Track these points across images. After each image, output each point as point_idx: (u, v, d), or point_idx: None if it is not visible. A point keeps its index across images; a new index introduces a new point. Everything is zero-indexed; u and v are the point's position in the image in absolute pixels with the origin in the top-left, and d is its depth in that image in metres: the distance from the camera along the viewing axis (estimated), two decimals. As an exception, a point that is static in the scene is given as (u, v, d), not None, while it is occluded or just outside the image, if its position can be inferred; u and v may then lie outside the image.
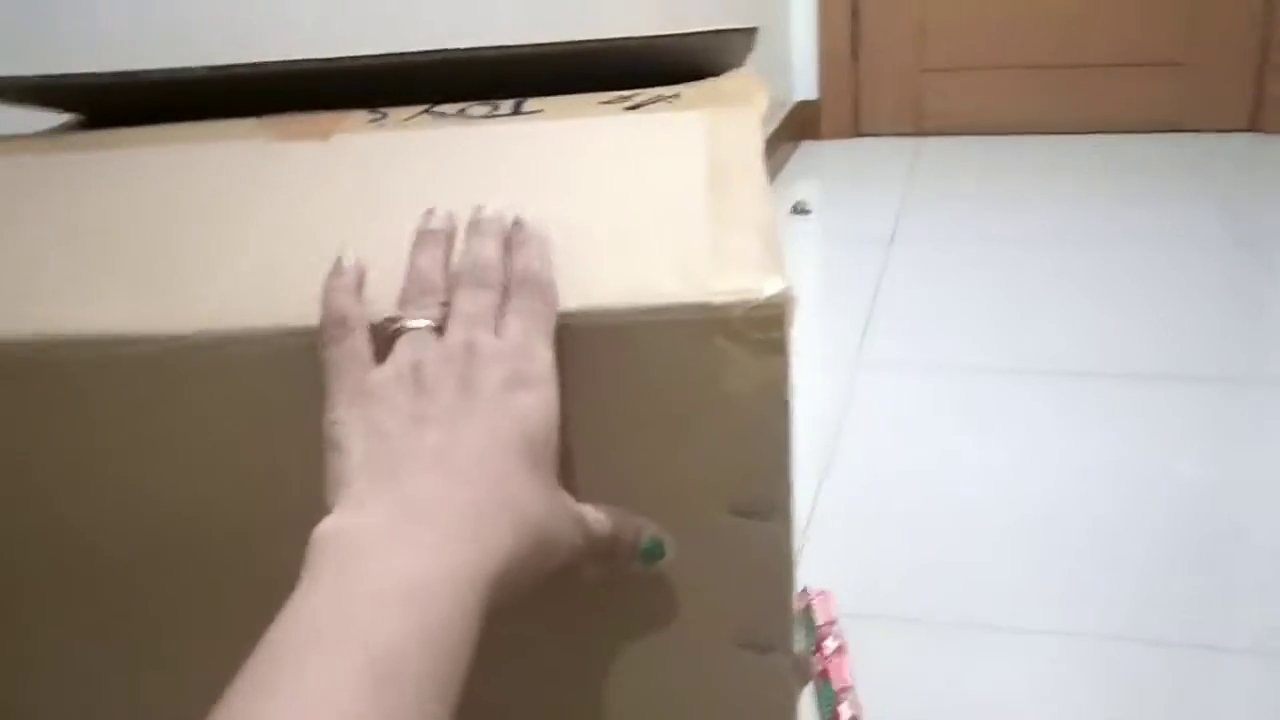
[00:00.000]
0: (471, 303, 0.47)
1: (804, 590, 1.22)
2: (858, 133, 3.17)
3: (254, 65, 0.65)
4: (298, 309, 0.48)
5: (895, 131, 3.14)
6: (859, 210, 2.62)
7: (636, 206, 0.54)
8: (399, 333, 0.46)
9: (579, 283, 0.48)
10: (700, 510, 0.49)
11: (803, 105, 3.12)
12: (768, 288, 0.48)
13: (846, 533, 1.38)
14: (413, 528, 0.41)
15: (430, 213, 0.51)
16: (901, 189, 2.70)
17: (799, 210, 2.53)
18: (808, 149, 3.11)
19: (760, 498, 0.49)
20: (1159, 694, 1.06)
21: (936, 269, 2.19)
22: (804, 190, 2.70)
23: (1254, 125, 2.92)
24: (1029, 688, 1.08)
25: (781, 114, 2.96)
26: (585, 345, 0.48)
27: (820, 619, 1.16)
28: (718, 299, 0.47)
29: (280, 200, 0.59)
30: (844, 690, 1.06)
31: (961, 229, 2.42)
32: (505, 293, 0.48)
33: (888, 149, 3.05)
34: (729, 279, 0.48)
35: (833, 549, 1.34)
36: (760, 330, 0.47)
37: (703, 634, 0.52)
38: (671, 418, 0.48)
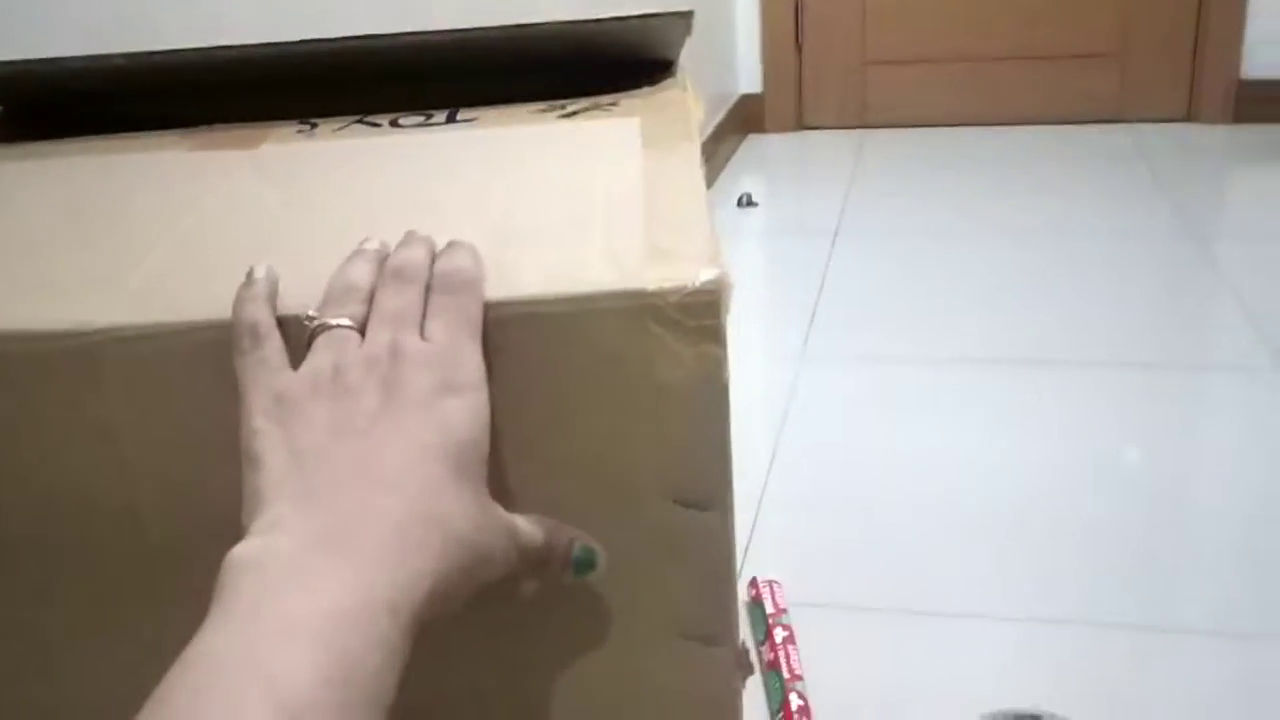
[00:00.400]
0: (395, 299, 0.45)
1: (753, 580, 1.22)
2: (802, 126, 3.18)
3: (171, 53, 0.63)
4: (212, 305, 0.47)
5: (839, 124, 3.15)
6: (804, 203, 2.63)
7: (571, 206, 0.54)
8: (317, 332, 0.45)
9: (511, 275, 0.47)
10: (639, 501, 0.49)
11: (747, 99, 3.13)
12: (702, 274, 0.47)
13: (794, 523, 1.38)
14: (328, 557, 0.38)
15: (365, 239, 0.49)
16: (846, 182, 2.71)
17: (745, 204, 2.53)
18: (753, 142, 3.11)
19: (700, 487, 0.49)
20: (1114, 677, 1.07)
21: (881, 261, 2.20)
22: (749, 184, 2.70)
23: (1192, 115, 2.96)
24: (981, 673, 1.09)
25: (726, 107, 2.96)
26: (519, 335, 0.47)
27: (770, 609, 1.16)
28: (651, 285, 0.47)
29: (205, 208, 0.57)
30: (793, 679, 1.05)
31: (905, 221, 2.43)
32: (430, 292, 0.46)
33: (832, 142, 3.06)
34: (663, 268, 0.47)
35: (781, 539, 1.34)
36: (695, 317, 0.47)
37: (645, 626, 0.51)
38: (607, 407, 0.48)
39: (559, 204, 0.54)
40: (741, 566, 1.28)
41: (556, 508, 0.48)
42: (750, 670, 0.52)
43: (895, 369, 1.75)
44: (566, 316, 0.46)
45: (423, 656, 0.39)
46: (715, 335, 0.47)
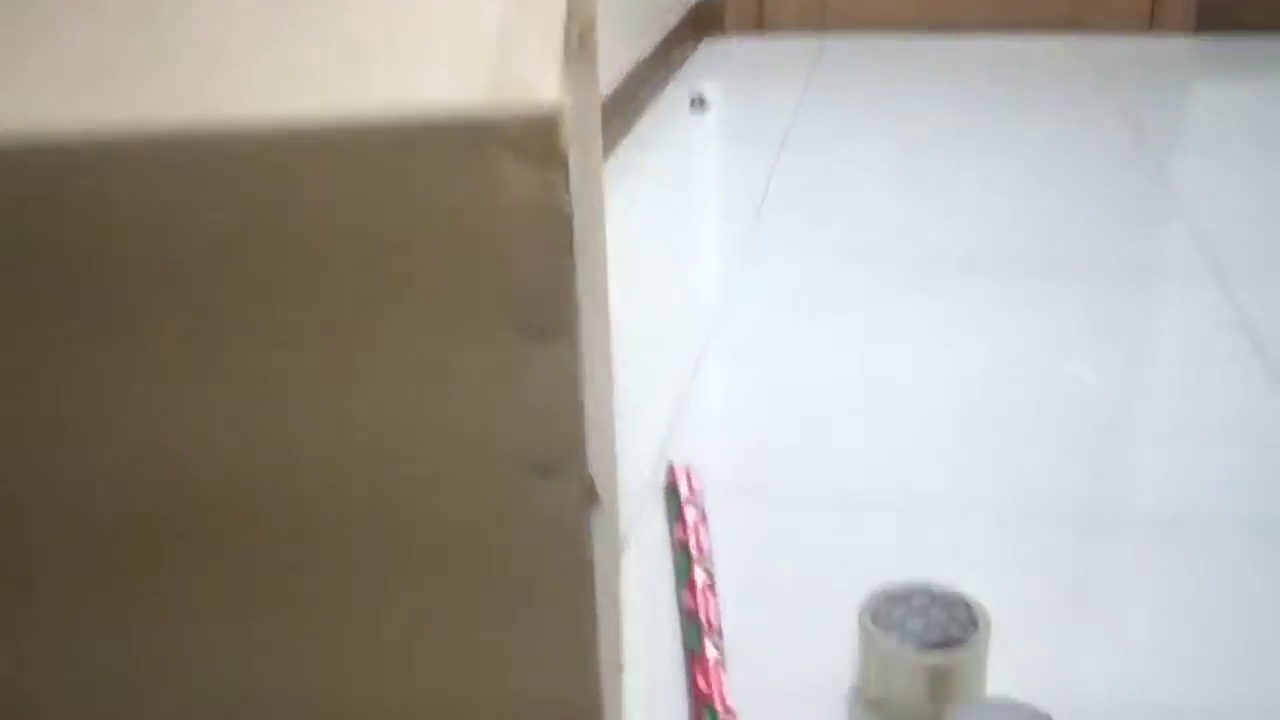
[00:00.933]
0: None
1: (670, 466, 1.23)
2: (761, 29, 3.13)
3: None
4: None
5: (799, 29, 3.11)
6: (757, 107, 2.60)
7: (423, 27, 0.53)
8: None
9: (351, 94, 0.47)
10: (482, 329, 0.49)
11: (706, 1, 3.08)
12: (546, 99, 0.46)
13: (719, 413, 1.39)
14: None
15: None
16: (801, 87, 2.68)
17: (696, 104, 2.51)
18: (710, 46, 3.07)
19: (543, 317, 0.49)
20: (1045, 571, 1.10)
21: (829, 167, 2.19)
22: (705, 88, 2.67)
23: (1153, 26, 2.95)
24: (885, 555, 1.11)
25: (684, 9, 2.91)
26: (356, 156, 0.46)
27: (684, 492, 1.17)
28: (494, 108, 0.46)
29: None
30: (701, 558, 1.07)
31: (857, 127, 2.42)
32: None
33: (791, 47, 3.03)
34: (507, 91, 0.47)
35: (705, 428, 1.35)
36: (538, 142, 0.46)
37: (489, 457, 0.51)
38: (448, 232, 0.47)
39: (411, 25, 0.53)
40: (663, 453, 1.30)
41: (394, 334, 0.48)
42: (597, 501, 0.53)
43: (833, 271, 1.76)
44: (406, 136, 0.46)
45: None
46: (560, 162, 0.47)
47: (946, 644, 0.93)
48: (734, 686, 0.93)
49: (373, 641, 0.55)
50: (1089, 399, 1.39)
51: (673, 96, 2.59)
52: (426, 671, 0.56)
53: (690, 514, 1.13)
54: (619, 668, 0.94)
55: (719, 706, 0.89)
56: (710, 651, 0.95)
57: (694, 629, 0.98)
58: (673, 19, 2.77)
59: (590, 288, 0.60)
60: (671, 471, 1.22)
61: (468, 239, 0.47)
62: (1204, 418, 1.33)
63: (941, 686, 0.88)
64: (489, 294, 0.48)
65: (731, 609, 1.03)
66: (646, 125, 2.46)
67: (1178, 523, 1.14)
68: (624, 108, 2.34)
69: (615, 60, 2.28)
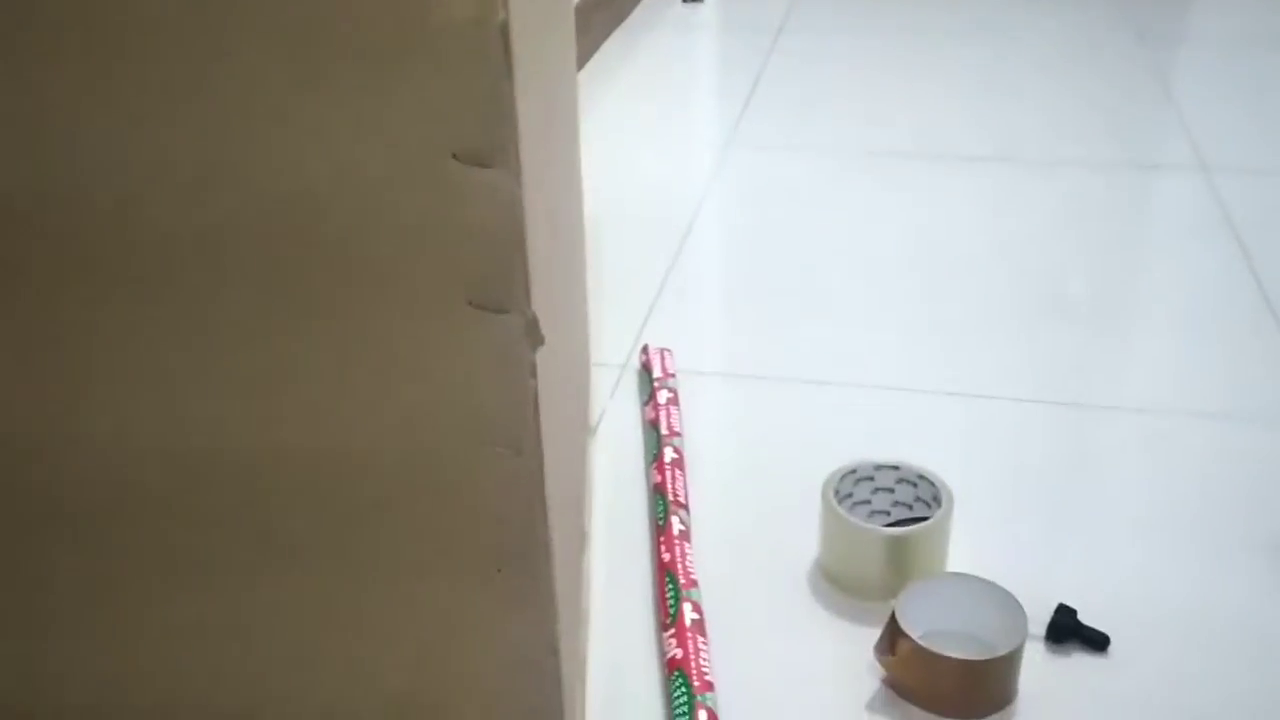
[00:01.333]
0: None
1: (644, 347, 1.22)
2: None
3: None
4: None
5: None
6: None
7: None
8: None
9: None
10: (418, 155, 0.47)
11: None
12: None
13: (698, 296, 1.38)
14: None
15: None
16: (800, -19, 2.62)
17: (692, -3, 2.45)
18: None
19: (481, 141, 0.47)
20: (1011, 452, 1.10)
21: (823, 58, 2.15)
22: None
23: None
24: (855, 435, 1.11)
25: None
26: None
27: (657, 373, 1.17)
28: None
29: None
30: (671, 435, 1.07)
31: (853, 19, 2.37)
32: None
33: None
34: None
35: (683, 310, 1.35)
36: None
37: (430, 291, 0.50)
38: (380, 54, 0.46)
39: None
40: (640, 336, 1.29)
41: (325, 166, 0.47)
42: (542, 341, 0.52)
43: (821, 158, 1.73)
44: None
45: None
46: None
47: (911, 522, 0.93)
48: (697, 558, 0.93)
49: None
50: (1068, 286, 1.38)
51: (668, -12, 2.53)
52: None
53: (662, 395, 1.13)
54: (583, 535, 0.94)
55: (680, 575, 0.89)
56: (675, 525, 0.95)
57: (660, 503, 0.98)
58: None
59: (542, 116, 0.58)
60: (646, 353, 1.21)
61: (400, 62, 0.46)
62: (1181, 306, 1.32)
63: (901, 560, 0.89)
64: (421, 117, 0.46)
65: (698, 485, 1.03)
66: (640, 15, 2.41)
67: (1147, 409, 1.14)
68: (617, -3, 2.29)
69: (608, -54, 2.22)
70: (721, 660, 0.84)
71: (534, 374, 0.52)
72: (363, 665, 0.60)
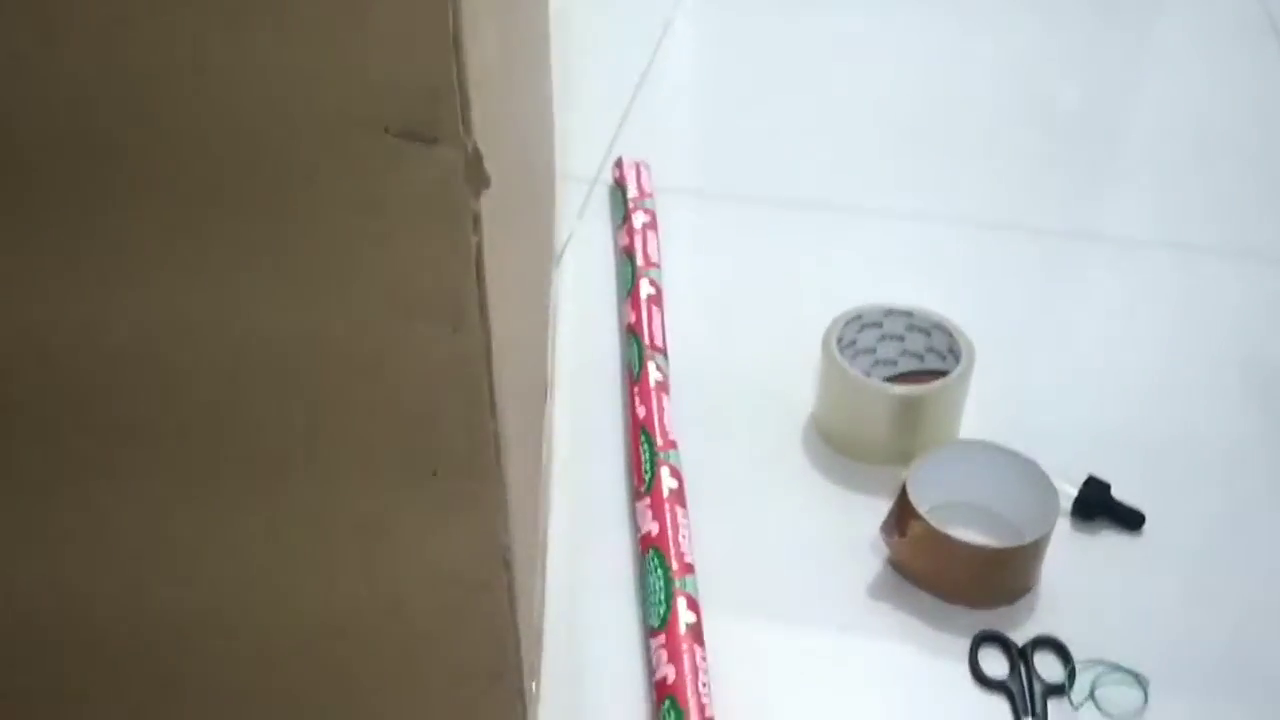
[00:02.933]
0: None
1: (618, 160, 1.07)
2: None
3: None
4: None
5: None
6: None
7: None
8: None
9: None
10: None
11: None
12: None
13: (673, 109, 1.22)
14: None
15: None
16: None
17: None
18: None
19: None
20: (995, 279, 0.97)
21: None
22: None
23: None
24: (849, 269, 0.98)
25: None
26: None
27: (632, 191, 1.02)
28: None
29: None
30: (647, 266, 0.93)
31: None
32: None
33: None
34: None
35: (657, 123, 1.19)
36: None
37: (333, 115, 0.36)
38: None
39: None
40: (613, 146, 1.14)
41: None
42: (487, 182, 0.38)
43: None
44: None
45: None
46: None
47: (921, 375, 0.81)
48: (676, 413, 0.81)
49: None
50: (1074, 117, 1.23)
51: None
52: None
53: (638, 218, 0.99)
54: (545, 389, 0.82)
55: (657, 434, 0.77)
56: (652, 373, 0.82)
57: (635, 347, 0.85)
58: None
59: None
60: (620, 167, 1.06)
61: None
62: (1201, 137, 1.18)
63: (912, 423, 0.77)
64: None
65: (678, 324, 0.90)
66: None
67: (1154, 245, 1.01)
68: None
69: None
70: (704, 533, 0.73)
71: (476, 227, 0.38)
72: (274, 585, 0.48)
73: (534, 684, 0.64)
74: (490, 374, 0.42)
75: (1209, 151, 1.15)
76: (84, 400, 0.43)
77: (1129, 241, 1.02)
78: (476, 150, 0.37)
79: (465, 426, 0.43)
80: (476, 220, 0.38)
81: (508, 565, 0.49)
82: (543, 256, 0.88)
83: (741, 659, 0.67)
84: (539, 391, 0.78)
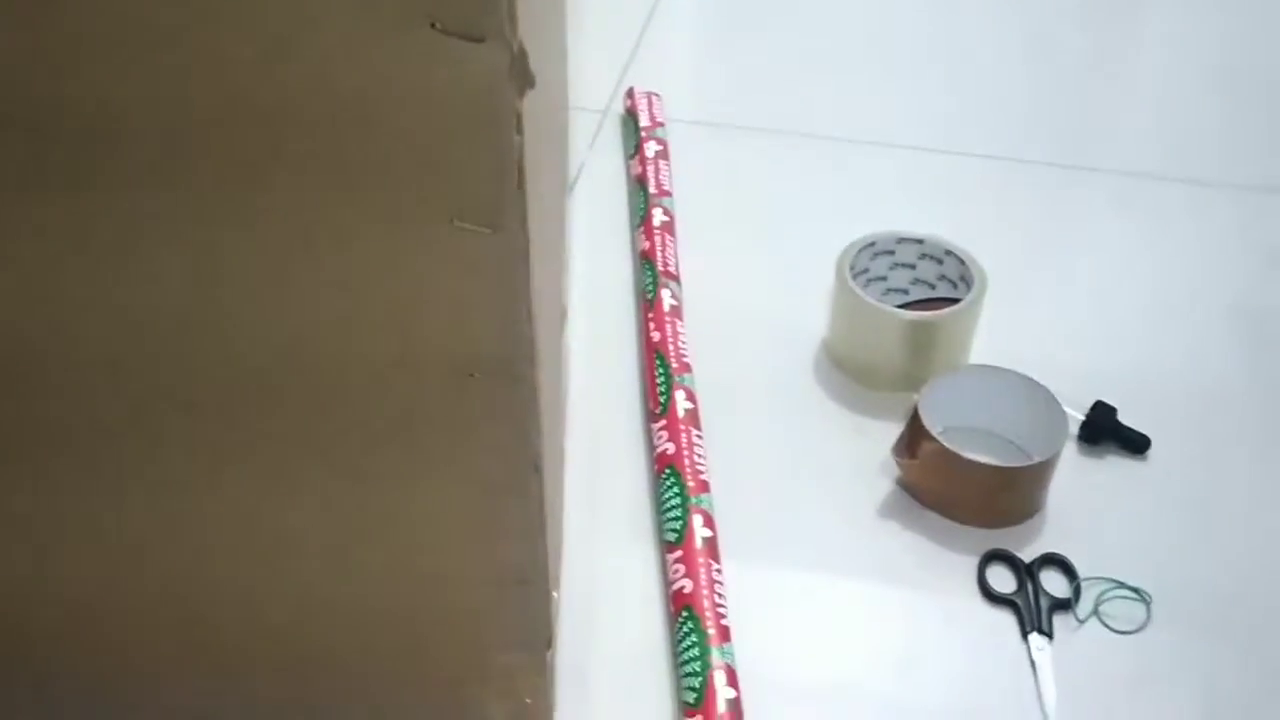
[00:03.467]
0: None
1: (630, 90, 1.07)
2: None
3: None
4: None
5: None
6: None
7: None
8: None
9: None
10: None
11: None
12: None
13: (685, 39, 1.22)
14: None
15: None
16: None
17: None
18: None
19: None
20: (1011, 209, 0.98)
21: None
22: None
23: None
24: (863, 197, 0.98)
25: None
26: None
27: (644, 120, 1.02)
28: None
29: None
30: (660, 195, 0.94)
31: None
32: None
33: None
34: None
35: (669, 53, 1.19)
36: None
37: (399, 14, 0.36)
38: None
39: None
40: (624, 76, 1.14)
41: None
42: (531, 82, 0.38)
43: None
44: None
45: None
46: None
47: (932, 303, 0.82)
48: (689, 337, 0.82)
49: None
50: (1080, 53, 1.23)
51: None
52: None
53: (650, 148, 0.99)
54: (563, 314, 0.83)
55: (671, 358, 0.78)
56: (666, 299, 0.83)
57: (649, 272, 0.86)
58: None
59: None
60: (631, 97, 1.06)
61: None
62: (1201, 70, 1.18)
63: (923, 348, 0.78)
64: None
65: (690, 253, 0.91)
66: None
67: (1161, 178, 1.02)
68: None
69: None
70: (718, 456, 0.74)
71: (519, 127, 0.39)
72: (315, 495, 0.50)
73: (556, 594, 0.66)
74: (529, 276, 0.43)
75: (1216, 86, 1.15)
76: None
77: (1137, 174, 1.03)
78: (522, 49, 0.37)
79: (503, 328, 0.44)
80: (519, 121, 0.39)
81: (538, 471, 0.50)
82: (561, 178, 0.89)
83: (754, 577, 0.68)
84: (559, 311, 0.79)
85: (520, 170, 0.40)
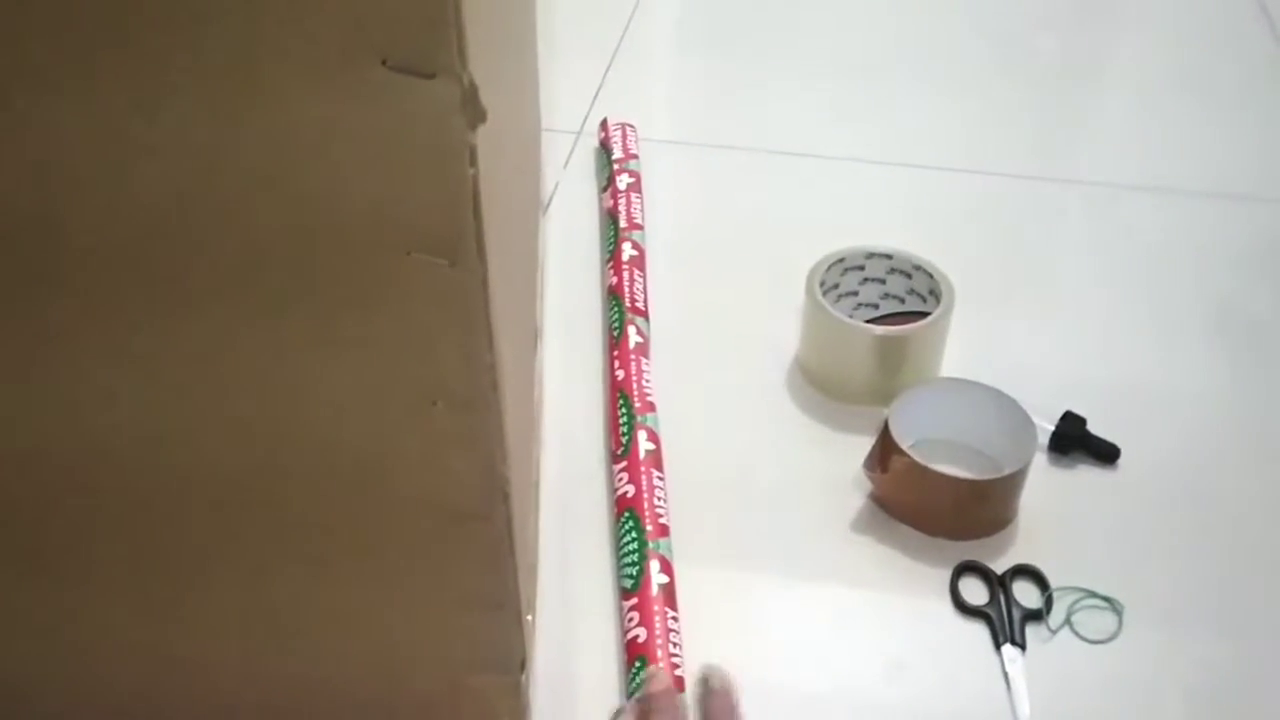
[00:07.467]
0: None
1: (603, 122, 1.08)
2: None
3: None
4: None
5: None
6: None
7: None
8: None
9: None
10: None
11: None
12: None
13: (655, 65, 1.23)
14: None
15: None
16: None
17: None
18: None
19: None
20: (982, 223, 0.99)
21: None
22: None
23: None
24: (836, 212, 0.99)
25: None
26: None
27: (617, 153, 1.03)
28: None
29: None
30: (630, 228, 0.94)
31: None
32: None
33: None
34: None
35: (639, 81, 1.20)
36: None
37: (332, 48, 0.37)
38: None
39: None
40: (597, 95, 1.14)
41: None
42: (483, 116, 0.39)
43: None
44: None
45: None
46: None
47: (902, 317, 0.83)
48: (663, 357, 0.83)
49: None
50: (1051, 63, 1.24)
51: None
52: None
53: (622, 180, 0.99)
54: (535, 335, 0.83)
55: (635, 397, 0.78)
56: (632, 336, 0.83)
57: (616, 309, 0.86)
58: None
59: None
60: (605, 129, 1.07)
61: None
62: (1184, 77, 1.19)
63: (893, 362, 0.79)
64: None
65: (662, 270, 0.91)
66: None
67: (1130, 188, 1.03)
68: None
69: None
70: (689, 470, 0.75)
71: (473, 160, 0.40)
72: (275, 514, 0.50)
73: (530, 617, 0.66)
74: (488, 306, 0.43)
75: (1186, 95, 1.16)
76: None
77: (1106, 185, 1.04)
78: (473, 84, 0.38)
79: (464, 358, 0.44)
80: (473, 154, 0.39)
81: (506, 498, 0.50)
82: (532, 202, 0.89)
83: (726, 593, 0.69)
84: (530, 334, 0.79)
85: (476, 202, 0.41)
